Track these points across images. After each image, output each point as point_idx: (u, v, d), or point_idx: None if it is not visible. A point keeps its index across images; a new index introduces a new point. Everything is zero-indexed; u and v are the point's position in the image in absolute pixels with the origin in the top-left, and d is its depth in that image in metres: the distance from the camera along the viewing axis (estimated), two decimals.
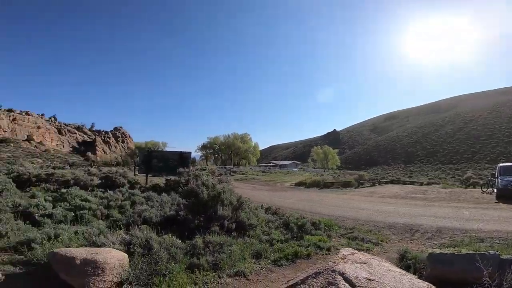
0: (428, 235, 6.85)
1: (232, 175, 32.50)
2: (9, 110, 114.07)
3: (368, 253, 4.72)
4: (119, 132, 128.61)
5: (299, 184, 25.63)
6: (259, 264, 4.59)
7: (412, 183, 23.44)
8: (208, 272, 3.96)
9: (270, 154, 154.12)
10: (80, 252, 3.11)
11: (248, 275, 4.10)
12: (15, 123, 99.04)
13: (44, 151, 76.05)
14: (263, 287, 3.87)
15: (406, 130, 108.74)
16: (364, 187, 21.32)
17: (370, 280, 2.50)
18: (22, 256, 4.18)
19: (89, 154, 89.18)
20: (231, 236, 5.27)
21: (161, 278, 3.42)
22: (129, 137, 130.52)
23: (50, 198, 7.44)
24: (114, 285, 3.21)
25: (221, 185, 6.09)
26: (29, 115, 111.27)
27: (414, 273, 3.62)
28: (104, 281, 3.12)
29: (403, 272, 3.03)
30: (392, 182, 24.58)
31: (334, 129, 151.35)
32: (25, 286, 3.29)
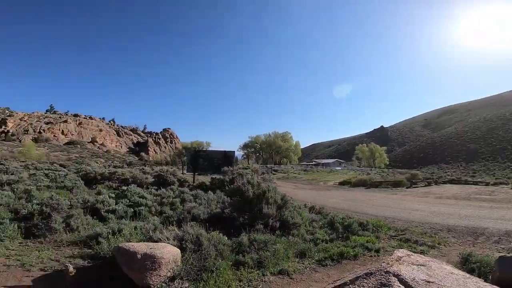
0: (495, 238, 6.12)
1: (273, 174, 32.57)
2: (76, 115, 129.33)
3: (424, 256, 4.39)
4: (168, 133, 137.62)
5: (343, 183, 24.67)
6: (303, 263, 4.54)
7: (475, 183, 20.90)
8: (252, 270, 4.00)
9: (312, 153, 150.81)
10: (140, 247, 3.35)
11: (292, 274, 4.08)
12: (81, 126, 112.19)
13: (105, 151, 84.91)
14: (306, 286, 3.81)
15: (467, 125, 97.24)
16: (418, 187, 19.67)
17: (429, 282, 2.31)
18: (90, 250, 4.52)
19: (143, 154, 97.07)
20: (275, 235, 5.30)
21: (209, 274, 3.50)
22: (176, 137, 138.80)
23: (113, 195, 8.27)
24: (167, 280, 3.36)
25: (266, 184, 6.18)
26: (92, 119, 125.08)
27: (479, 277, 3.28)
28: (159, 275, 3.28)
29: (467, 275, 2.73)
30: (451, 181, 22.20)
31: (381, 126, 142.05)
32: (92, 280, 3.54)
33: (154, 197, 8.54)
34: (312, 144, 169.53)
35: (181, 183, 12.49)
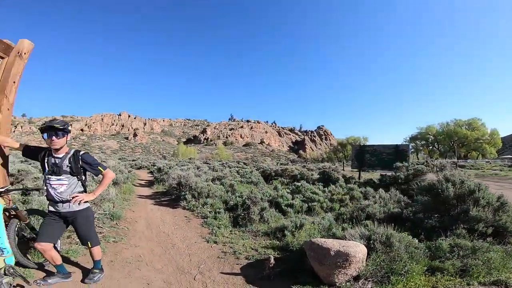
0: None
1: (460, 170, 25.73)
2: (248, 121, 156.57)
3: None
4: (322, 130, 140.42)
5: None
6: None
7: None
8: (452, 278, 3.34)
9: None
10: (333, 244, 3.37)
11: (510, 285, 3.12)
12: (252, 130, 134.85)
13: (271, 151, 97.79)
14: None
15: None
16: None
17: None
18: (278, 242, 4.83)
19: (301, 151, 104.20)
20: (487, 242, 4.06)
21: (398, 277, 3.21)
22: (330, 134, 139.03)
23: (288, 190, 9.16)
24: (351, 279, 3.29)
25: (472, 182, 4.85)
26: (259, 123, 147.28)
27: None
28: (346, 274, 3.24)
29: None
30: None
31: None
32: (285, 271, 3.75)
33: (324, 194, 8.74)
34: None
35: (347, 179, 12.18)
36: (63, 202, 2.88)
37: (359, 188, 9.64)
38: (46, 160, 2.87)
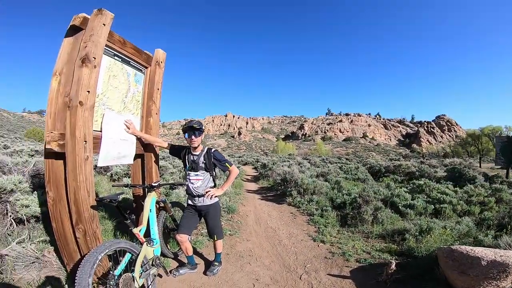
0: None
1: None
2: (347, 114, 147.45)
3: None
4: (443, 121, 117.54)
5: None
6: None
7: None
8: None
9: None
10: (485, 253, 2.82)
11: None
12: (352, 124, 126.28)
13: (376, 145, 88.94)
14: None
15: None
16: None
17: None
18: (395, 246, 4.37)
19: (414, 145, 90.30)
20: None
21: None
22: (456, 124, 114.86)
23: (405, 189, 7.97)
24: None
25: None
26: (360, 116, 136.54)
27: None
28: (498, 286, 2.75)
29: None
30: None
31: None
32: (408, 279, 3.31)
33: (456, 194, 7.16)
34: None
35: (490, 178, 9.63)
36: (199, 196, 3.15)
37: (508, 189, 7.49)
38: (186, 158, 3.20)
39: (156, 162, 3.57)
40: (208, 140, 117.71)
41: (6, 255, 2.31)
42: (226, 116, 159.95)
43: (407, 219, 5.82)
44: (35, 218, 3.39)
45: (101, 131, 2.65)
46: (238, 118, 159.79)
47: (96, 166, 3.45)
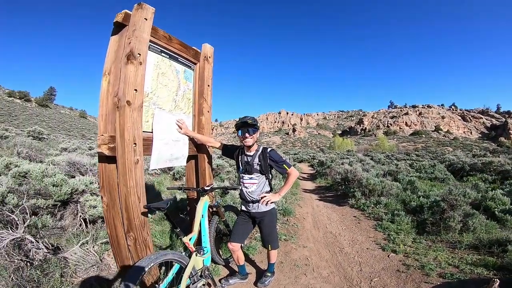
0: None
1: None
2: (414, 106, 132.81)
3: None
4: None
5: None
6: None
7: None
8: None
9: None
10: None
11: None
12: (421, 116, 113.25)
13: (452, 139, 77.97)
14: None
15: None
16: None
17: None
18: (493, 258, 3.59)
19: (502, 139, 76.41)
20: None
21: None
22: None
23: (501, 191, 6.47)
24: None
25: None
26: (430, 107, 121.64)
27: None
28: None
29: None
30: None
31: None
32: None
33: None
34: None
35: None
36: (253, 202, 2.85)
37: None
38: (240, 159, 2.90)
39: (210, 163, 3.38)
40: (263, 137, 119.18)
41: (67, 258, 2.36)
42: (279, 113, 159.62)
43: (507, 227, 4.82)
44: (101, 219, 3.55)
45: (152, 132, 2.53)
46: (292, 114, 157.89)
47: (147, 169, 3.38)
